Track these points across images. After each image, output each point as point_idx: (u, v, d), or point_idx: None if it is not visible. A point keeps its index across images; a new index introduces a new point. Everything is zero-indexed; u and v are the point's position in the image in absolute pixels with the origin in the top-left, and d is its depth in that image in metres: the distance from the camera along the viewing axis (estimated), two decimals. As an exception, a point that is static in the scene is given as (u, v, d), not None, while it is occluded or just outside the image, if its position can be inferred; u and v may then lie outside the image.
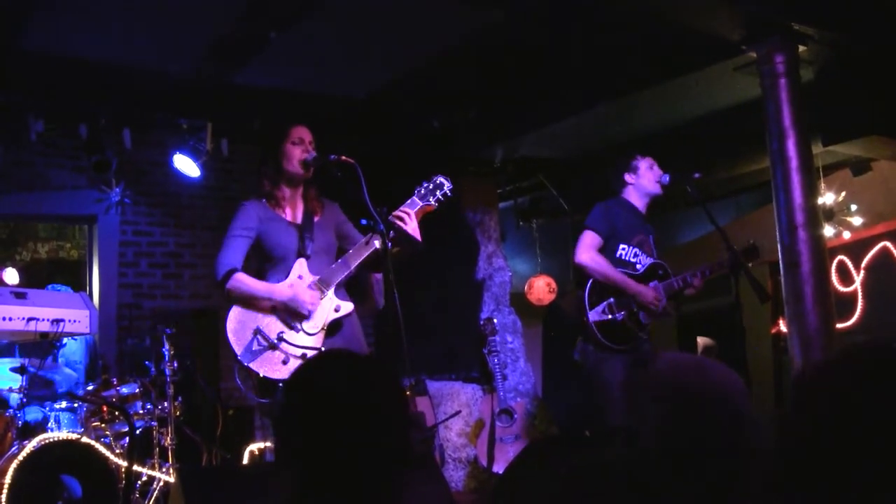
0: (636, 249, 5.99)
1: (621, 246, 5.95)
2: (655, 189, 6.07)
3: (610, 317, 5.83)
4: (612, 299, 5.84)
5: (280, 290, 4.65)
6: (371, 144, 8.10)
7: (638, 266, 5.99)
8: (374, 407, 2.01)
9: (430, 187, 4.80)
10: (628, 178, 6.11)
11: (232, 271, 4.62)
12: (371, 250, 4.64)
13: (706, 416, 2.03)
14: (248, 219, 4.75)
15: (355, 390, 2.02)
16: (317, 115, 6.97)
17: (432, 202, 4.79)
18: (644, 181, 6.06)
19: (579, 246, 5.92)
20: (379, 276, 5.53)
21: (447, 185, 4.81)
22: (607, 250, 5.94)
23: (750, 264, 5.75)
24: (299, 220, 4.82)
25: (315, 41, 6.67)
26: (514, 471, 3.63)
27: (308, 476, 1.96)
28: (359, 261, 4.69)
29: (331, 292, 4.70)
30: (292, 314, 4.63)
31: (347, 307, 4.76)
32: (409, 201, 4.76)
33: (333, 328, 4.73)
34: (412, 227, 4.64)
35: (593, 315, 5.83)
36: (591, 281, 5.88)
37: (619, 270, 5.90)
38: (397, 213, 4.63)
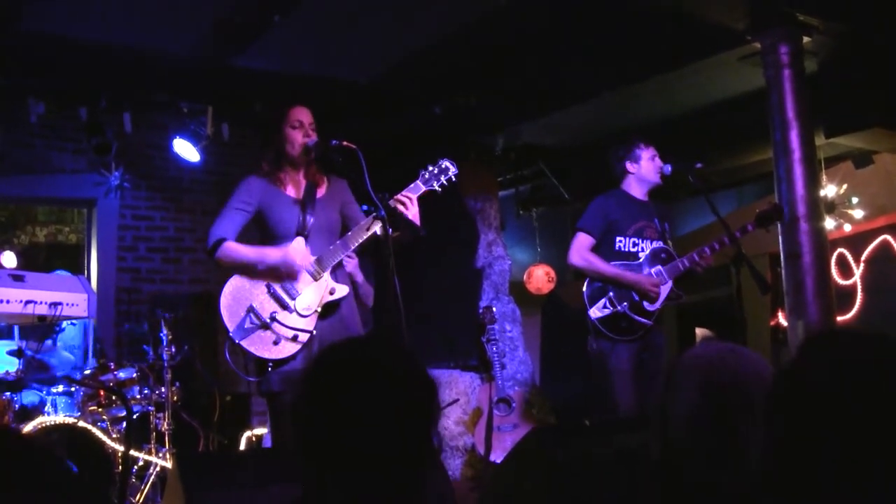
0: (635, 238, 5.98)
1: (618, 238, 5.96)
2: (655, 179, 6.04)
3: (611, 310, 5.84)
4: (611, 293, 5.86)
5: (270, 251, 4.61)
6: (372, 129, 8.07)
7: (640, 254, 5.97)
8: (408, 396, 1.93)
9: (435, 171, 4.76)
10: (629, 166, 6.09)
11: (221, 240, 4.59)
12: (370, 234, 4.61)
13: (743, 402, 2.02)
14: (249, 193, 4.71)
15: (390, 378, 1.93)
16: (318, 99, 6.92)
17: (436, 187, 4.76)
18: (644, 171, 6.04)
19: (571, 248, 6.01)
20: (360, 279, 5.50)
21: (452, 170, 4.79)
22: (605, 244, 5.97)
23: (772, 227, 5.78)
24: (301, 196, 4.78)
25: (317, 25, 6.64)
26: (513, 459, 3.62)
27: (329, 470, 1.90)
28: (357, 243, 4.66)
29: (326, 274, 4.67)
30: (285, 276, 4.60)
31: (342, 290, 4.72)
32: (412, 185, 4.73)
33: (327, 310, 4.69)
34: (413, 212, 4.61)
35: (594, 311, 5.87)
36: (588, 278, 5.95)
37: (615, 263, 5.92)
38: (399, 197, 4.59)
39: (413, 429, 1.92)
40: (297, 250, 4.61)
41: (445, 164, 4.79)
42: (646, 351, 5.92)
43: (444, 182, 4.76)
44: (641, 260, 5.97)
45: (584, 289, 5.95)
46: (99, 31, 6.66)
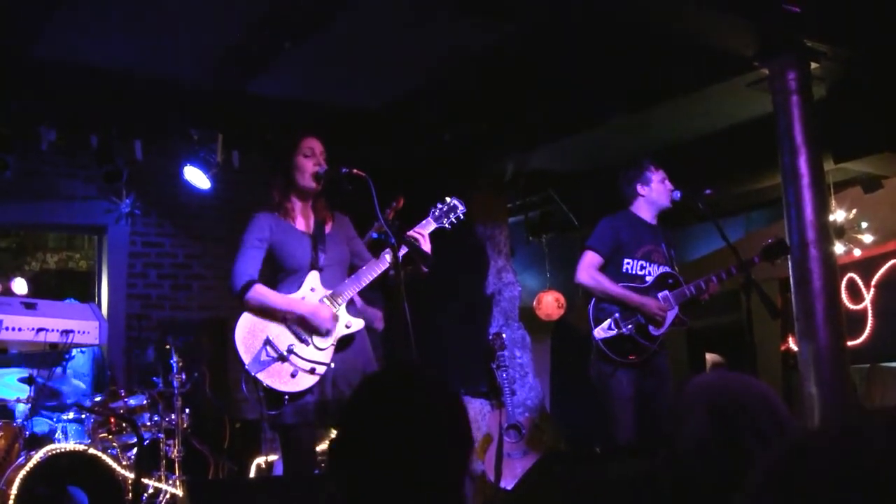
0: (643, 262, 5.97)
1: (626, 260, 5.95)
2: (666, 203, 6.04)
3: (616, 332, 5.82)
4: (616, 314, 5.84)
5: (301, 304, 4.63)
6: (382, 157, 8.09)
7: (647, 278, 5.97)
8: (442, 428, 1.94)
9: (445, 209, 4.84)
10: (640, 188, 6.08)
11: (251, 283, 4.60)
12: (384, 267, 4.64)
13: (752, 425, 2.02)
14: (261, 230, 4.74)
15: (424, 412, 1.95)
16: (329, 127, 6.97)
17: (446, 224, 4.85)
18: (655, 194, 6.04)
19: (579, 266, 5.98)
20: (360, 304, 5.52)
21: (461, 209, 4.87)
22: (613, 265, 5.96)
23: (780, 260, 5.83)
24: (311, 230, 4.81)
25: (328, 52, 6.68)
26: (524, 486, 3.62)
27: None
28: (372, 278, 4.70)
29: (342, 308, 4.70)
30: (306, 328, 4.63)
31: (358, 323, 4.76)
32: (423, 222, 4.80)
33: (343, 343, 4.72)
34: (425, 248, 4.65)
35: (599, 332, 5.85)
36: (594, 298, 5.93)
37: (622, 285, 5.91)
38: (412, 233, 4.62)
39: (455, 458, 1.94)
40: (326, 309, 4.64)
41: (454, 202, 4.87)
42: (650, 377, 5.91)
43: (454, 220, 4.87)
44: (648, 283, 5.96)
45: (590, 308, 5.94)
46: (110, 58, 6.70)
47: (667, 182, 6.05)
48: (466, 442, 1.99)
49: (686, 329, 6.10)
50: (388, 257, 4.59)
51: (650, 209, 6.09)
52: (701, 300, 5.94)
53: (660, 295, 5.92)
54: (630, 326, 5.81)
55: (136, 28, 6.23)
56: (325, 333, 4.62)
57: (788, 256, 6.23)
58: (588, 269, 5.94)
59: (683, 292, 5.91)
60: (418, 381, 2.05)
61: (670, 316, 5.91)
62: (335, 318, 4.65)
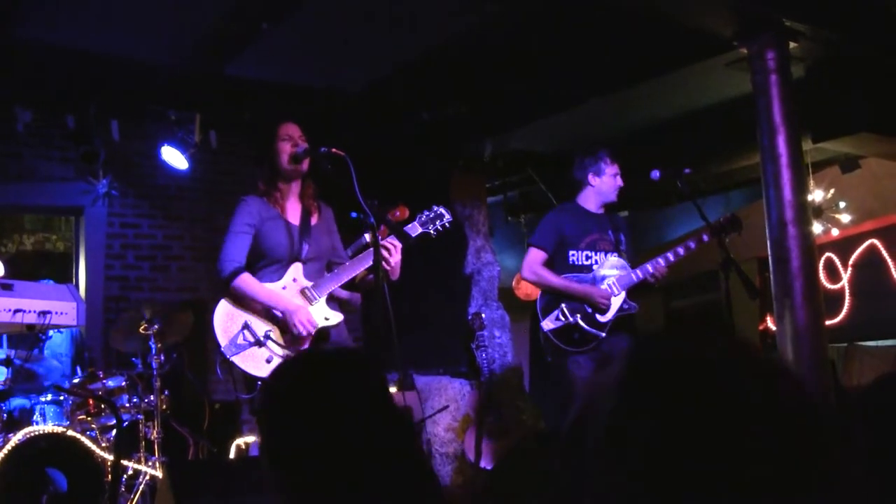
0: (588, 252, 6.12)
1: (571, 252, 6.11)
2: (612, 197, 6.22)
3: (563, 322, 6.00)
4: (563, 305, 6.01)
5: (282, 301, 4.66)
6: (362, 138, 8.06)
7: (594, 267, 6.10)
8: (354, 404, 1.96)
9: (431, 216, 4.96)
10: (591, 178, 6.23)
11: (239, 270, 4.62)
12: (368, 264, 4.66)
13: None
14: (250, 215, 4.75)
15: (339, 389, 1.97)
16: (307, 109, 6.96)
17: (431, 231, 4.96)
18: (605, 187, 6.20)
19: (524, 263, 6.24)
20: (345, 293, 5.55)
21: (447, 217, 5.00)
22: (559, 258, 6.14)
23: (737, 233, 5.97)
24: (297, 221, 4.83)
25: (307, 34, 6.64)
26: (504, 466, 3.62)
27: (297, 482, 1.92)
28: (352, 275, 4.79)
29: (322, 300, 4.72)
30: (282, 323, 4.64)
31: (337, 317, 4.80)
32: (410, 226, 4.91)
33: (321, 335, 4.77)
34: (396, 259, 4.67)
35: (547, 323, 6.05)
36: (541, 292, 6.18)
37: (569, 276, 6.07)
38: (385, 243, 4.63)
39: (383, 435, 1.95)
40: (304, 312, 4.65)
41: (440, 210, 5.01)
42: (604, 361, 6.00)
43: (439, 227, 4.99)
44: (595, 272, 6.09)
45: (538, 301, 6.15)
46: (87, 39, 6.64)
47: (618, 178, 6.20)
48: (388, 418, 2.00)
49: (635, 313, 6.16)
50: (366, 236, 4.61)
51: (596, 200, 6.23)
52: (652, 283, 6.10)
53: (605, 282, 6.05)
54: (577, 315, 5.98)
55: (112, 8, 6.18)
56: (296, 336, 4.63)
57: (767, 235, 6.26)
58: (531, 265, 6.16)
59: (629, 277, 6.05)
60: (328, 364, 2.08)
61: (617, 302, 6.04)
62: (313, 324, 4.65)
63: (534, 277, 6.16)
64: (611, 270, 6.10)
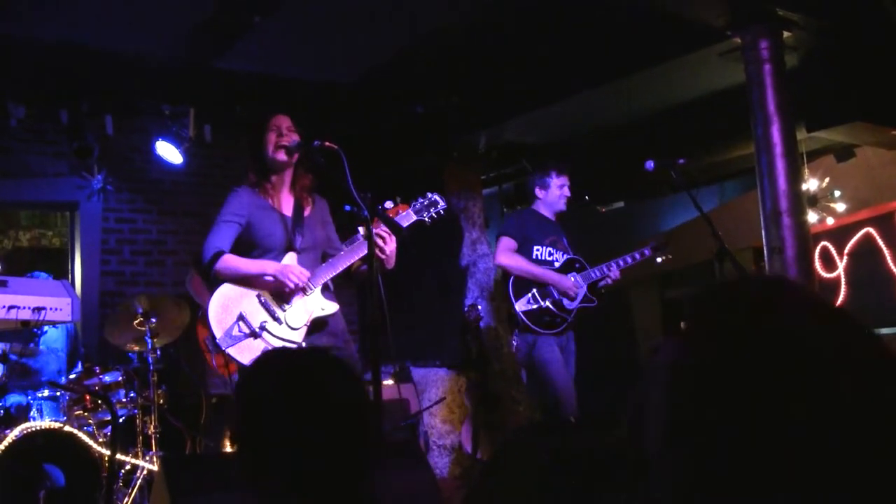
0: (550, 248, 6.71)
1: (535, 248, 6.67)
2: (561, 207, 6.80)
3: (535, 305, 6.49)
4: (534, 290, 6.51)
5: (270, 263, 4.65)
6: (355, 130, 8.05)
7: (555, 263, 6.70)
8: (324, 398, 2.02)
9: (426, 203, 4.96)
10: (538, 192, 6.82)
11: (220, 253, 4.60)
12: (362, 254, 4.66)
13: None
14: (240, 205, 4.74)
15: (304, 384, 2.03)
16: (301, 101, 6.94)
17: (426, 218, 4.96)
18: (551, 198, 6.78)
19: (497, 251, 6.74)
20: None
21: (441, 204, 5.00)
22: (524, 253, 6.65)
23: (659, 259, 6.81)
24: (290, 212, 4.81)
25: (298, 26, 6.63)
26: (499, 457, 3.62)
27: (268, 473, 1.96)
28: (347, 265, 4.78)
29: (317, 290, 4.71)
30: (280, 297, 4.61)
31: (332, 307, 4.78)
32: (404, 213, 4.89)
33: (317, 325, 4.75)
34: (390, 247, 4.65)
35: (520, 305, 6.51)
36: (512, 277, 6.57)
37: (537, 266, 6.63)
38: (379, 231, 4.60)
39: (343, 439, 1.99)
40: (294, 266, 4.67)
41: (435, 197, 5.01)
42: (563, 351, 6.58)
43: (434, 214, 4.99)
44: (557, 268, 6.67)
45: (509, 285, 6.57)
46: (80, 33, 6.63)
47: (566, 189, 6.79)
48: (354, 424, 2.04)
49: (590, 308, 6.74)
50: (360, 230, 4.59)
51: (547, 209, 6.84)
52: (606, 284, 6.69)
53: (570, 276, 6.64)
54: (548, 300, 6.49)
55: (105, 3, 6.17)
56: (295, 290, 4.61)
57: (762, 224, 6.26)
58: (505, 251, 6.65)
59: (590, 274, 6.67)
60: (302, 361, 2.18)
61: (581, 293, 6.61)
62: (306, 274, 4.63)
63: (512, 262, 6.60)
64: (570, 267, 6.70)
